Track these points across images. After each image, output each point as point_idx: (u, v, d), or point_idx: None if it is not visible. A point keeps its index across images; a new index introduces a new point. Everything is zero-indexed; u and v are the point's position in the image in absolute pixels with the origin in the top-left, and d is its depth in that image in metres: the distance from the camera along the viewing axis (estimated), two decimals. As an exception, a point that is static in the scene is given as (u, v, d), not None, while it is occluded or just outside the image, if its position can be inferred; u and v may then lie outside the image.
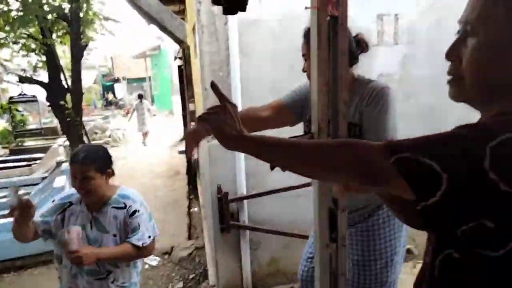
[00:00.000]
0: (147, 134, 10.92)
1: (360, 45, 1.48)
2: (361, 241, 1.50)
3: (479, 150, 0.53)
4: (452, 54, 0.65)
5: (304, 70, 1.52)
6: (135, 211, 1.58)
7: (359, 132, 1.42)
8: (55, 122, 12.84)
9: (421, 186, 0.56)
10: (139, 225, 1.56)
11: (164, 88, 19.54)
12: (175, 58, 9.02)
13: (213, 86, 0.89)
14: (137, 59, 22.66)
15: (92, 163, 1.51)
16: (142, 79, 23.87)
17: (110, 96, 25.86)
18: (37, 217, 1.57)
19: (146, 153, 9.33)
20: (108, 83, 26.75)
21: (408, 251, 2.84)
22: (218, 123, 0.79)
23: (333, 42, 1.13)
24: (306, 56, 1.49)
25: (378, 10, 2.49)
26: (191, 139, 0.98)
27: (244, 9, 1.20)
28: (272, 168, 0.98)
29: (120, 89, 26.45)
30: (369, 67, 2.53)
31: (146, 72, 22.75)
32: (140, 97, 11.40)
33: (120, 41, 23.33)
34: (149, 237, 1.59)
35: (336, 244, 1.29)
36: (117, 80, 26.09)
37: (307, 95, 1.55)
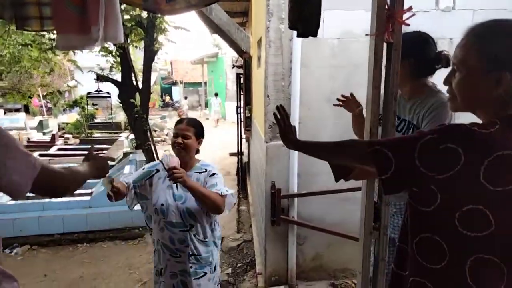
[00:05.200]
0: (218, 120, 16.75)
1: (441, 61, 1.71)
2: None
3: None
4: (447, 81, 1.01)
5: None
6: (214, 173, 1.95)
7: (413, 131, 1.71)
8: (118, 118, 14.01)
9: (381, 167, 0.97)
10: (216, 183, 1.91)
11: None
12: (233, 66, 9.59)
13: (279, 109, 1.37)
14: (194, 64, 23.88)
15: (192, 127, 1.94)
16: (198, 84, 25.00)
17: (167, 98, 27.44)
18: (129, 180, 1.94)
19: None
20: (166, 86, 28.39)
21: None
22: (285, 129, 1.34)
23: (387, 64, 1.38)
24: None
25: (433, 35, 2.66)
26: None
27: (315, 35, 1.51)
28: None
29: (177, 92, 27.97)
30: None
31: (202, 77, 23.85)
32: (216, 94, 17.48)
33: (180, 47, 24.73)
34: (226, 191, 1.90)
35: (379, 233, 1.53)
36: (175, 83, 27.63)
37: None
